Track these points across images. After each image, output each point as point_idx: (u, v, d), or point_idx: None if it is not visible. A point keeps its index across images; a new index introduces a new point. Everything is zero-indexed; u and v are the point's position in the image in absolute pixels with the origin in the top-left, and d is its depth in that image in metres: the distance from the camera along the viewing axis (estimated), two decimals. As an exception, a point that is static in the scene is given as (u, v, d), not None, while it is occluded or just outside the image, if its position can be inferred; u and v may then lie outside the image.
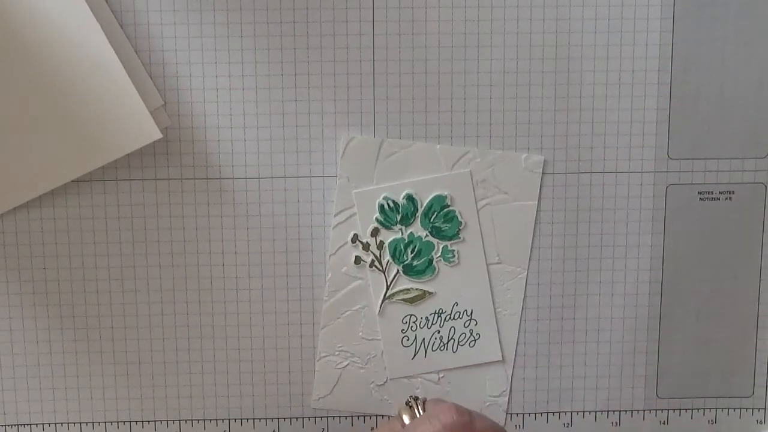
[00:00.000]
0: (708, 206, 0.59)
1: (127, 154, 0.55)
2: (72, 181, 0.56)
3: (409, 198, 0.57)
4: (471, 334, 0.59)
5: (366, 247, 0.58)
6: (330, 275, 0.58)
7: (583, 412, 0.61)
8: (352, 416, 0.61)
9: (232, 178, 0.58)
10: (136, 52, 0.56)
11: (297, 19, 0.56)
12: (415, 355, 0.59)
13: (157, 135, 0.54)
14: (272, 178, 0.58)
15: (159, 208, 0.58)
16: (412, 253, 0.58)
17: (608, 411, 0.61)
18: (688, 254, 0.60)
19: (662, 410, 0.61)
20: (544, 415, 0.61)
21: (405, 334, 0.59)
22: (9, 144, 0.54)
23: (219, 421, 0.60)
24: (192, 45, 0.56)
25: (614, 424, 0.61)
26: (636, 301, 0.60)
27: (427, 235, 0.58)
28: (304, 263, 0.59)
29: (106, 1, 0.55)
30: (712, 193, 0.59)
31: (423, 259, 0.58)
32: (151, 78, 0.56)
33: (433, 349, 0.59)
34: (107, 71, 0.54)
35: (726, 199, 0.59)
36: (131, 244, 0.58)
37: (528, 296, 0.60)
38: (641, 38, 0.57)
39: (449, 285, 0.59)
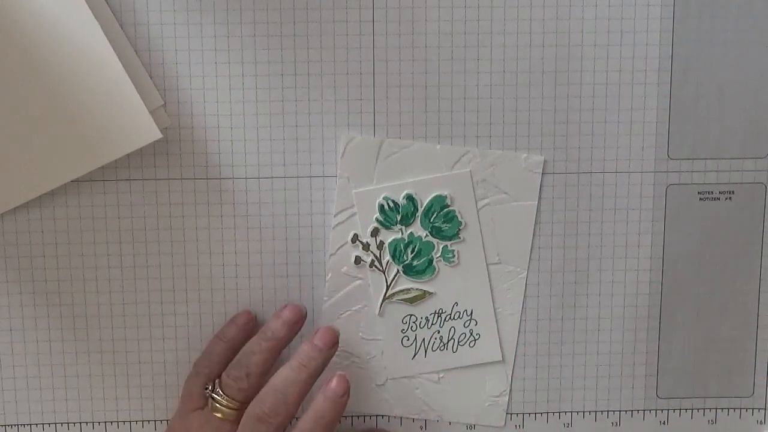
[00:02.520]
0: (708, 206, 0.59)
1: (127, 154, 0.55)
2: (72, 181, 0.56)
3: (409, 198, 0.57)
4: (471, 334, 0.59)
5: (366, 247, 0.58)
6: (330, 275, 0.58)
7: (583, 412, 0.61)
8: (352, 416, 0.61)
9: (232, 178, 0.58)
10: (136, 52, 0.56)
11: (297, 19, 0.56)
12: (415, 355, 0.59)
13: (157, 135, 0.54)
14: (272, 178, 0.58)
15: (159, 208, 0.58)
16: (412, 253, 0.58)
17: (608, 411, 0.61)
18: (688, 254, 0.60)
19: (662, 410, 0.61)
20: (544, 415, 0.61)
21: (405, 334, 0.59)
22: (9, 144, 0.54)
23: (219, 421, 0.60)
24: (192, 45, 0.56)
25: (614, 424, 0.61)
26: (636, 301, 0.60)
27: (427, 235, 0.58)
28: (304, 263, 0.59)
29: (106, 1, 0.55)
30: (712, 193, 0.59)
31: (423, 259, 0.58)
32: (151, 78, 0.56)
33: (433, 349, 0.59)
34: (107, 71, 0.54)
35: (726, 199, 0.59)
36: (131, 244, 0.58)
37: (528, 296, 0.59)
38: (641, 38, 0.57)
39: (449, 285, 0.59)
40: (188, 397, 0.56)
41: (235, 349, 0.57)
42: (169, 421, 0.58)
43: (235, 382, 0.55)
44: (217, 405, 0.55)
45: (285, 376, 0.54)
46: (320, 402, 0.54)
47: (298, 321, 0.57)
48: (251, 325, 0.58)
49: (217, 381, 0.55)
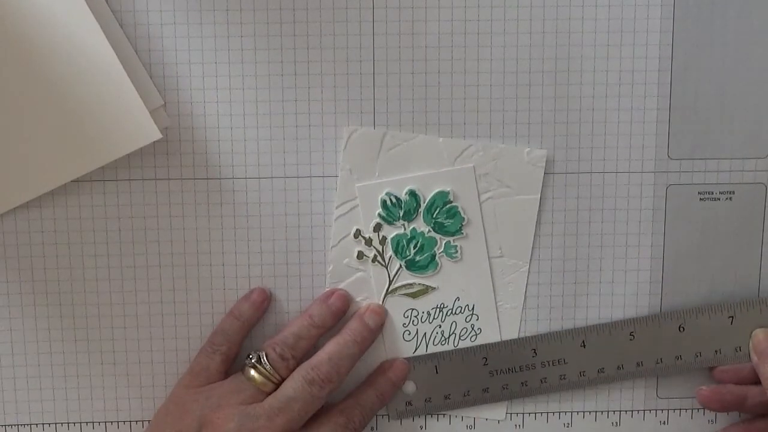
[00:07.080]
0: (708, 206, 0.59)
1: (127, 154, 0.55)
2: (72, 181, 0.56)
3: (412, 194, 0.57)
4: (472, 329, 0.59)
5: (369, 242, 0.58)
6: (332, 266, 0.58)
7: (583, 412, 0.61)
8: (352, 416, 0.60)
9: (232, 178, 0.58)
10: (136, 52, 0.56)
11: (297, 19, 0.56)
12: (416, 350, 0.59)
13: (157, 135, 0.54)
14: (272, 178, 0.58)
15: (159, 208, 0.58)
16: (414, 248, 0.58)
17: (608, 411, 0.61)
18: (688, 254, 0.60)
19: (662, 410, 0.61)
20: (544, 415, 0.61)
21: (406, 329, 0.59)
22: (9, 144, 0.54)
23: (219, 422, 0.60)
24: (192, 45, 0.56)
25: (614, 424, 0.61)
26: (636, 301, 0.60)
27: (429, 231, 0.58)
28: (304, 263, 0.59)
29: (106, 1, 0.55)
30: (712, 193, 0.59)
31: (425, 255, 0.58)
32: (151, 78, 0.56)
33: (435, 343, 0.59)
34: (107, 71, 0.54)
35: (726, 199, 0.59)
36: (131, 244, 0.58)
37: (529, 296, 0.59)
38: (641, 38, 0.57)
39: (451, 280, 0.59)
40: (203, 371, 0.57)
41: (250, 327, 0.58)
42: (173, 390, 0.57)
43: (282, 360, 0.56)
44: (256, 375, 0.56)
45: (339, 350, 0.56)
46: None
47: (345, 310, 0.58)
48: (266, 303, 0.58)
49: (262, 354, 0.56)
